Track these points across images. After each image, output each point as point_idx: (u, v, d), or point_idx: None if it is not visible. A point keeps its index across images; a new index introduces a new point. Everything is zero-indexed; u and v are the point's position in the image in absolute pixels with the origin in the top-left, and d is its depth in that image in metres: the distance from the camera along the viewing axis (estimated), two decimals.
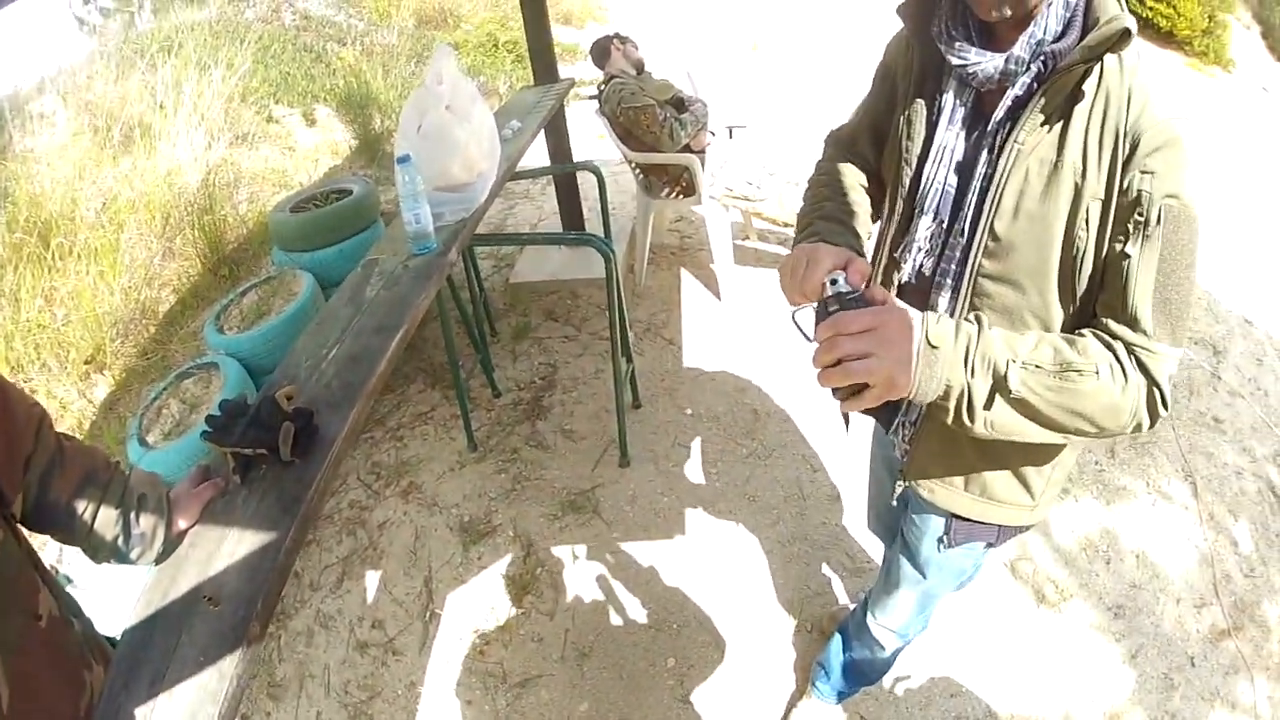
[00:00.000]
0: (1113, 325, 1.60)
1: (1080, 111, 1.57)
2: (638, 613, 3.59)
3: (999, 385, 1.52)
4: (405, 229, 3.11)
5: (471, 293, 5.07)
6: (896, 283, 1.99)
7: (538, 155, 5.96)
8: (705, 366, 5.13)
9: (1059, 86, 1.55)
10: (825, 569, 3.73)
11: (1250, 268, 6.42)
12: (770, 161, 5.52)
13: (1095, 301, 1.66)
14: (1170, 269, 1.54)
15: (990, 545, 2.20)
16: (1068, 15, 1.58)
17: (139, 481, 1.92)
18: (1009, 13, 1.55)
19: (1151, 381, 1.57)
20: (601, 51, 5.77)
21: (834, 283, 1.57)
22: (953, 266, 1.81)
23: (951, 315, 1.80)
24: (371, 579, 3.89)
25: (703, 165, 5.47)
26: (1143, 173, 1.52)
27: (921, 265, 1.90)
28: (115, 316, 5.89)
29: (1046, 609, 3.56)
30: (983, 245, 1.71)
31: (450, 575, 3.85)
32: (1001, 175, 1.64)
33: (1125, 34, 1.44)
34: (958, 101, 1.78)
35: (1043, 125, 1.59)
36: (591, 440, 4.59)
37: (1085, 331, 1.62)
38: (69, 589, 3.11)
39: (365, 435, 4.83)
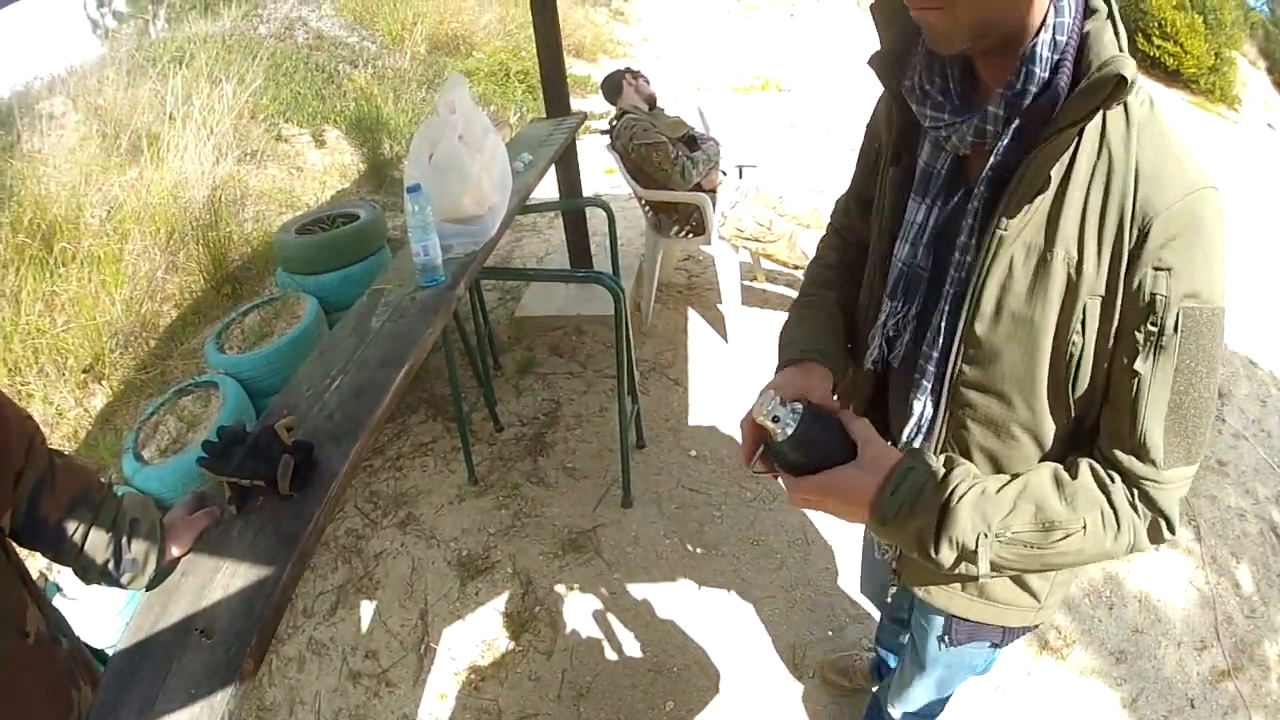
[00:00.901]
0: (1118, 455, 1.41)
1: (1076, 184, 1.33)
2: (637, 654, 3.59)
3: (966, 557, 1.39)
4: (413, 260, 3.11)
5: (476, 325, 5.07)
6: (863, 370, 1.84)
7: (546, 188, 5.99)
8: (711, 408, 5.14)
9: (1047, 155, 1.31)
10: (828, 615, 3.73)
11: (1255, 308, 6.45)
12: (781, 203, 5.53)
13: (1097, 413, 1.47)
14: (1188, 381, 1.34)
15: (996, 645, 2.06)
16: (1055, 58, 1.31)
17: (132, 505, 1.91)
18: (966, 45, 1.33)
19: (1157, 513, 1.41)
20: (614, 86, 5.82)
21: (775, 419, 1.41)
22: (930, 367, 1.60)
23: (932, 426, 1.65)
24: (366, 609, 3.89)
25: (714, 205, 5.50)
26: (1157, 270, 1.28)
27: (890, 355, 1.73)
28: (115, 327, 5.91)
29: (1049, 656, 3.55)
30: (961, 350, 1.51)
31: (447, 610, 3.85)
32: (980, 268, 1.43)
33: (1120, 83, 1.18)
34: (931, 168, 1.55)
35: (1028, 204, 1.35)
36: (594, 479, 4.60)
37: (1082, 464, 1.44)
38: (58, 598, 3.18)
39: (364, 463, 4.82)
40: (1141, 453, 1.38)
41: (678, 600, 3.83)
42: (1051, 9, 1.30)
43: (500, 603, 3.87)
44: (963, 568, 1.40)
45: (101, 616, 3.32)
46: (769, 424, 1.42)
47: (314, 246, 5.26)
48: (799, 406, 1.43)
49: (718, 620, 3.72)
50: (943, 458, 1.50)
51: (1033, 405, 1.49)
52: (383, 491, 4.62)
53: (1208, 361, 1.33)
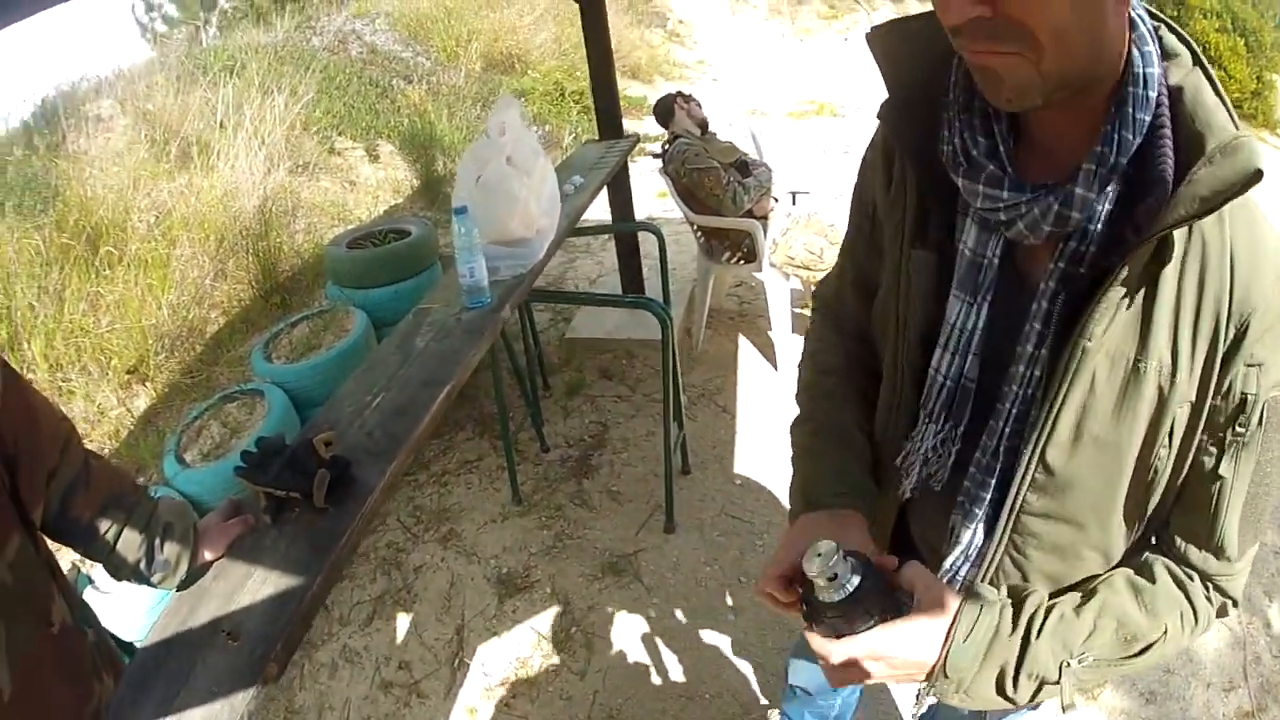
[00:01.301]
0: (1193, 555, 1.30)
1: (1167, 277, 1.13)
2: (670, 680, 3.63)
3: (1046, 686, 1.24)
4: (459, 281, 3.18)
5: (526, 345, 5.17)
6: (898, 499, 1.57)
7: (600, 210, 6.06)
8: (758, 436, 5.17)
9: (1147, 249, 1.09)
10: None
11: None
12: (833, 230, 5.56)
13: (1167, 512, 1.32)
14: (1265, 471, 1.22)
15: (1036, 707, 1.69)
16: (1147, 119, 1.10)
17: (167, 509, 2.01)
18: (1040, 101, 1.08)
19: (1228, 598, 1.32)
20: (665, 110, 5.88)
21: (832, 578, 1.17)
22: (984, 494, 1.37)
23: (982, 554, 1.42)
24: (402, 621, 3.97)
25: (765, 231, 5.55)
26: (1249, 366, 1.14)
27: (930, 479, 1.46)
28: (161, 330, 6.06)
29: (1080, 696, 3.55)
30: (1029, 479, 1.29)
31: (483, 626, 3.92)
32: (1058, 389, 1.21)
33: (1256, 178, 0.99)
34: (981, 257, 1.29)
35: (1118, 308, 1.14)
36: (637, 503, 4.65)
37: (1157, 566, 1.32)
38: (90, 591, 3.29)
39: (408, 478, 4.93)
40: (1218, 552, 1.28)
41: (714, 628, 3.86)
42: (1136, 53, 1.10)
43: (537, 622, 3.93)
44: (1042, 695, 1.27)
45: (132, 611, 3.43)
46: (821, 581, 1.18)
47: (364, 261, 5.38)
48: (856, 563, 1.20)
49: (753, 650, 3.75)
50: (1004, 589, 1.35)
51: (1107, 527, 1.33)
52: (426, 506, 4.71)
53: None
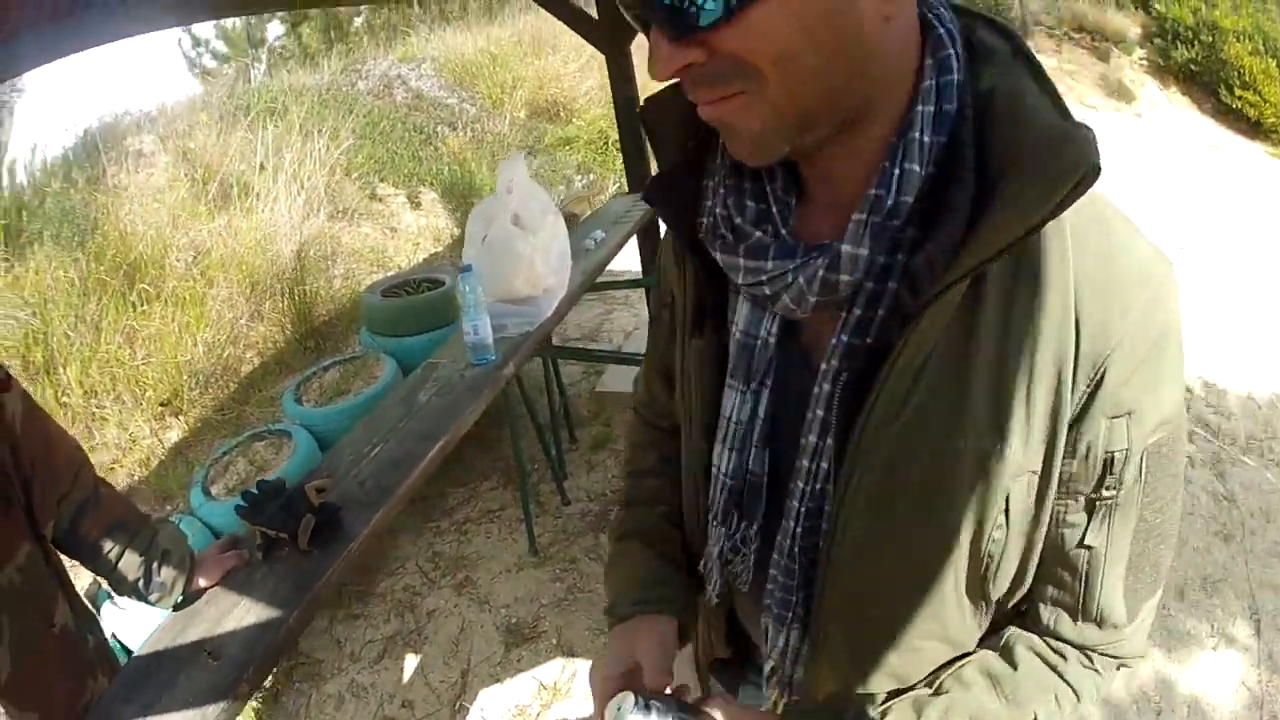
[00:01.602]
0: (1065, 629, 1.14)
1: (984, 332, 0.95)
2: None
3: None
4: (464, 339, 3.35)
5: (550, 399, 5.31)
6: (705, 604, 1.45)
7: (633, 261, 6.13)
8: None
9: (946, 305, 0.92)
10: None
11: None
12: None
13: (1024, 589, 1.14)
14: (1152, 524, 1.06)
15: None
16: (942, 140, 0.93)
17: (166, 538, 2.33)
18: (789, 147, 0.94)
19: (1120, 658, 1.17)
20: None
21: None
22: (788, 596, 1.22)
23: (799, 655, 1.27)
24: (410, 662, 4.13)
25: None
26: (1114, 418, 0.96)
27: (736, 580, 1.33)
28: (196, 367, 6.32)
29: None
30: (829, 581, 1.14)
31: (487, 672, 4.05)
32: (845, 484, 1.05)
33: (1091, 176, 0.80)
34: (752, 339, 1.14)
35: (915, 380, 0.97)
36: None
37: (1019, 648, 1.17)
38: (108, 606, 3.58)
39: (430, 524, 5.12)
40: (1100, 621, 1.11)
41: None
42: (929, 62, 0.94)
43: (540, 671, 4.05)
44: None
45: (147, 627, 3.55)
46: None
47: (397, 309, 5.55)
48: (662, 706, 1.13)
49: None
50: (823, 698, 1.25)
51: (941, 619, 1.13)
52: (445, 553, 4.88)
53: (1174, 486, 1.06)
